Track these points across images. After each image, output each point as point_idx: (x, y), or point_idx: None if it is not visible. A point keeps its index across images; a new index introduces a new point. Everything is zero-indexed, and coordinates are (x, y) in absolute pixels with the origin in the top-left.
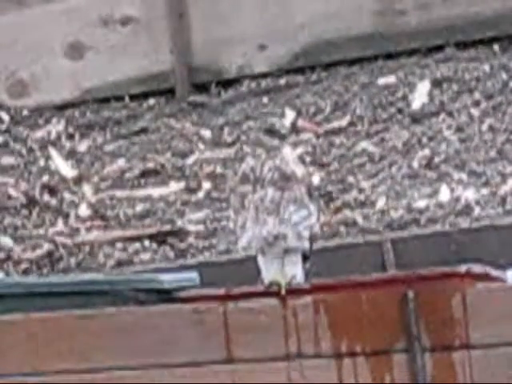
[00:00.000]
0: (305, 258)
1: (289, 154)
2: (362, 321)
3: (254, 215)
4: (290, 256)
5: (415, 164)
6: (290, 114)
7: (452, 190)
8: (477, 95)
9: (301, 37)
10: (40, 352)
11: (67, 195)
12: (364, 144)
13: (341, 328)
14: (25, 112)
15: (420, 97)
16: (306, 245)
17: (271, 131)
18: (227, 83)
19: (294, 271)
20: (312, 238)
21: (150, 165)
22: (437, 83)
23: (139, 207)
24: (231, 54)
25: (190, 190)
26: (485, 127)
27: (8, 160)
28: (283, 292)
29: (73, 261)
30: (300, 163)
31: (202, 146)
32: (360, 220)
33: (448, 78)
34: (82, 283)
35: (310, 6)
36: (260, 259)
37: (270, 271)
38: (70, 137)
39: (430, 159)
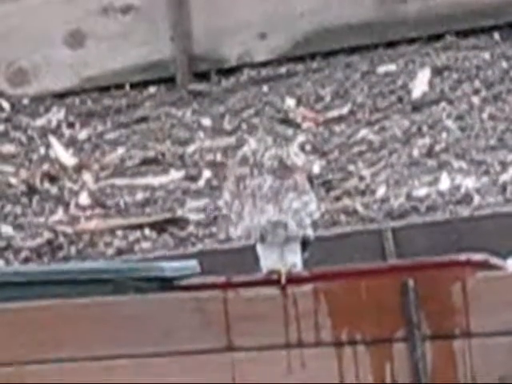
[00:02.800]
0: (304, 246)
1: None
2: (363, 309)
3: (251, 202)
4: (289, 244)
5: (415, 152)
6: (291, 103)
7: (452, 179)
8: (477, 83)
9: (301, 25)
10: (40, 341)
11: (67, 183)
12: (364, 132)
13: (341, 316)
14: (25, 100)
15: (420, 85)
16: (307, 232)
17: (284, 120)
18: (227, 72)
19: (294, 259)
20: (313, 226)
21: (151, 153)
22: (437, 71)
23: (139, 196)
24: (231, 43)
25: (191, 179)
26: (485, 115)
27: (8, 148)
28: (283, 281)
29: (73, 249)
30: (300, 151)
31: (202, 135)
32: (360, 208)
33: (448, 67)
34: (82, 272)
35: None
36: (259, 247)
37: (269, 260)
38: (71, 125)
39: (431, 147)
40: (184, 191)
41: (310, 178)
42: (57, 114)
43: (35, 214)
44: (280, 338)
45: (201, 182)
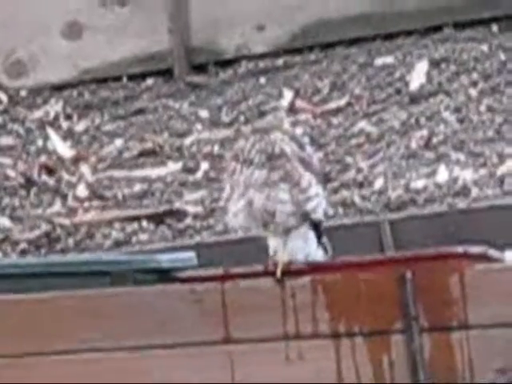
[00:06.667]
0: (318, 234)
1: (285, 132)
2: (360, 301)
3: (241, 192)
4: (291, 234)
5: (413, 144)
6: (288, 95)
7: (450, 171)
8: (475, 75)
9: (299, 17)
10: (38, 332)
11: (65, 175)
12: (362, 124)
13: (339, 308)
14: (23, 92)
15: (418, 77)
16: (317, 216)
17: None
18: (225, 63)
19: (295, 250)
20: (315, 213)
21: (148, 145)
22: (435, 63)
23: (137, 187)
24: (229, 35)
25: (188, 171)
26: (483, 107)
27: (6, 140)
28: (278, 274)
29: (71, 241)
30: (294, 141)
31: (199, 127)
32: (358, 200)
33: (446, 59)
34: (80, 263)
35: None
36: (268, 237)
37: (272, 250)
38: (68, 117)
39: (428, 139)
40: (182, 183)
41: (309, 166)
42: (54, 106)
43: (33, 206)
44: (278, 329)
45: (198, 174)
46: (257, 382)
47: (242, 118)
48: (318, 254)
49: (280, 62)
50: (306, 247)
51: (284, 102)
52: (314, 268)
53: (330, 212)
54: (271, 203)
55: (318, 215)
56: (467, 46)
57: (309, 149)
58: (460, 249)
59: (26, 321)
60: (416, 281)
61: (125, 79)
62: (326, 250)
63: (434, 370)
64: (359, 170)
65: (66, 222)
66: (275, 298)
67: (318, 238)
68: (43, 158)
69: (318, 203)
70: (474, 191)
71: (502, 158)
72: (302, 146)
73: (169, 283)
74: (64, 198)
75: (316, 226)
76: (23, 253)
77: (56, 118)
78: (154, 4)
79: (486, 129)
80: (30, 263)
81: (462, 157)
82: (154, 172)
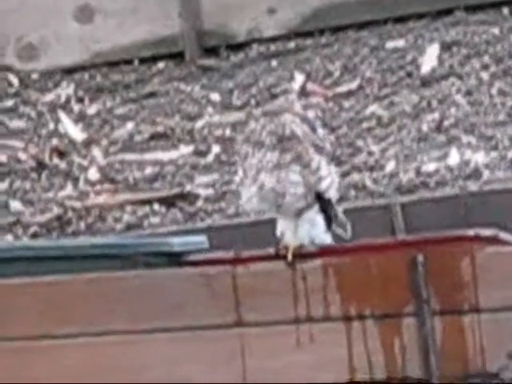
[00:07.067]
0: (328, 216)
1: (295, 114)
2: (371, 284)
3: (254, 175)
4: (302, 217)
5: (424, 127)
6: (300, 78)
7: (461, 154)
8: (486, 59)
9: (310, 0)
10: (49, 316)
11: (76, 159)
12: (373, 108)
13: (350, 291)
14: (34, 75)
15: (429, 60)
16: (329, 195)
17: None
18: (236, 47)
19: (302, 234)
20: (327, 193)
21: (160, 128)
22: (446, 47)
23: (148, 171)
24: (240, 18)
25: (200, 154)
26: (494, 91)
27: (18, 124)
28: (289, 257)
29: (82, 224)
30: (305, 123)
31: (211, 110)
32: (369, 183)
33: (457, 42)
34: (92, 247)
35: None
36: (278, 220)
37: (282, 232)
38: (80, 100)
39: (440, 123)
40: (193, 166)
41: (320, 149)
42: (66, 89)
43: (44, 190)
44: (289, 312)
45: (210, 157)
46: (268, 366)
47: (253, 102)
48: (325, 239)
49: (291, 45)
50: (313, 231)
51: (295, 85)
52: (325, 251)
53: (341, 194)
54: (282, 185)
55: (331, 195)
56: (478, 29)
57: (320, 131)
58: (471, 232)
59: (37, 304)
60: (427, 264)
61: (136, 62)
62: (344, 229)
63: (445, 354)
64: (370, 154)
65: (78, 205)
66: (286, 281)
67: (329, 221)
68: (54, 141)
69: (331, 183)
70: (486, 174)
71: None
72: (313, 128)
73: (180, 267)
74: (75, 181)
75: (326, 209)
76: (35, 236)
77: (67, 101)
78: None
79: (498, 112)
80: (42, 246)
81: (473, 140)
82: (165, 155)
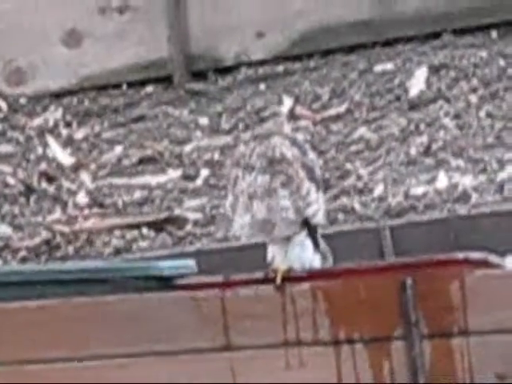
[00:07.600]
0: (315, 240)
1: (285, 137)
2: (361, 308)
3: (245, 201)
4: (293, 241)
5: (413, 151)
6: (288, 102)
7: (450, 177)
8: (474, 82)
9: (298, 24)
10: (38, 340)
11: (65, 183)
12: (362, 131)
13: (339, 315)
14: (22, 100)
15: (417, 83)
16: (315, 221)
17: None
18: (225, 70)
19: (292, 258)
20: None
21: (148, 152)
22: (434, 70)
23: (137, 195)
24: (229, 42)
25: (188, 178)
26: (482, 114)
27: (6, 148)
28: (278, 281)
29: (71, 249)
30: (295, 146)
31: (199, 134)
32: (358, 207)
33: (445, 65)
34: (80, 271)
35: None
36: (268, 245)
37: (272, 257)
38: (68, 124)
39: (428, 146)
40: (182, 190)
41: (310, 171)
42: (54, 114)
43: (33, 214)
44: (278, 336)
45: (198, 181)
46: None
47: (241, 125)
48: (314, 262)
49: (280, 68)
50: (303, 255)
51: (284, 108)
52: (314, 275)
53: (328, 219)
54: (273, 212)
55: (318, 220)
56: (466, 52)
57: (310, 154)
58: (460, 255)
59: (26, 329)
60: (416, 287)
61: (124, 86)
62: (325, 257)
63: (434, 377)
64: (359, 177)
65: (66, 229)
66: (275, 304)
67: (315, 244)
68: (43, 166)
69: (318, 209)
70: (474, 197)
71: (501, 163)
72: (303, 151)
73: (169, 290)
74: (64, 205)
75: (313, 233)
76: (23, 260)
77: (56, 125)
78: (154, 11)
79: (486, 135)
80: (30, 271)
81: (461, 163)
82: (153, 179)
